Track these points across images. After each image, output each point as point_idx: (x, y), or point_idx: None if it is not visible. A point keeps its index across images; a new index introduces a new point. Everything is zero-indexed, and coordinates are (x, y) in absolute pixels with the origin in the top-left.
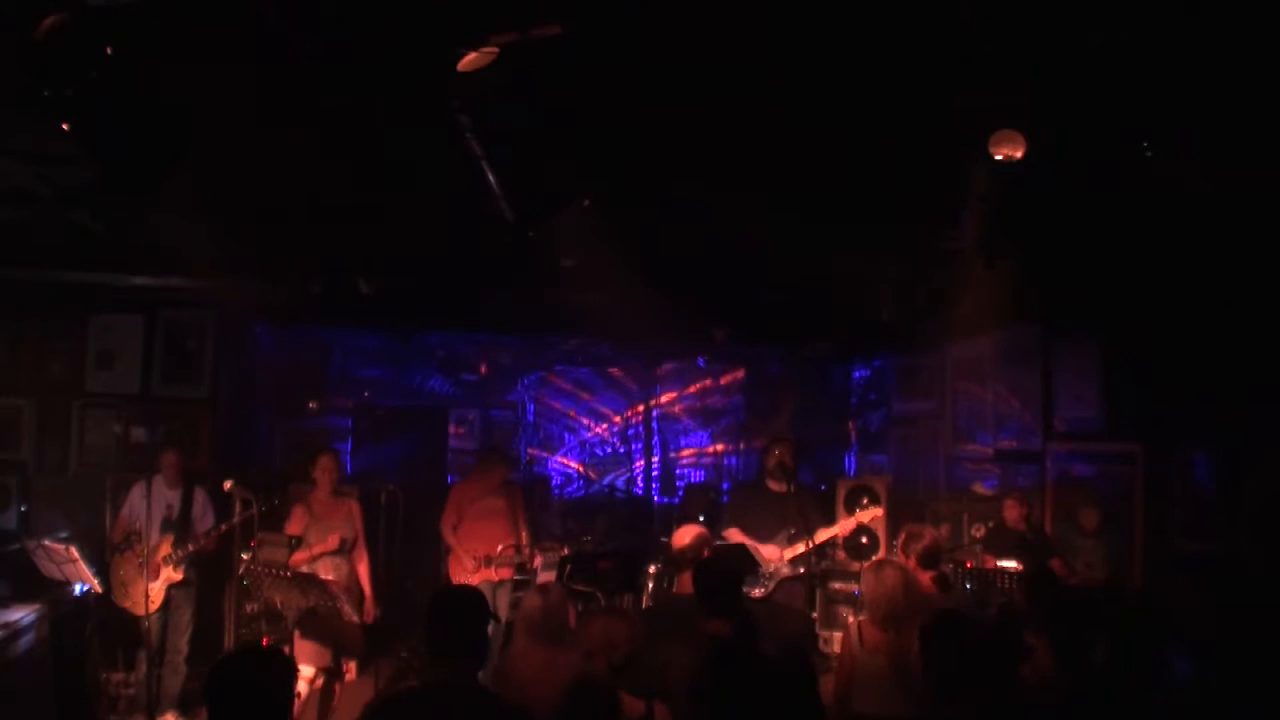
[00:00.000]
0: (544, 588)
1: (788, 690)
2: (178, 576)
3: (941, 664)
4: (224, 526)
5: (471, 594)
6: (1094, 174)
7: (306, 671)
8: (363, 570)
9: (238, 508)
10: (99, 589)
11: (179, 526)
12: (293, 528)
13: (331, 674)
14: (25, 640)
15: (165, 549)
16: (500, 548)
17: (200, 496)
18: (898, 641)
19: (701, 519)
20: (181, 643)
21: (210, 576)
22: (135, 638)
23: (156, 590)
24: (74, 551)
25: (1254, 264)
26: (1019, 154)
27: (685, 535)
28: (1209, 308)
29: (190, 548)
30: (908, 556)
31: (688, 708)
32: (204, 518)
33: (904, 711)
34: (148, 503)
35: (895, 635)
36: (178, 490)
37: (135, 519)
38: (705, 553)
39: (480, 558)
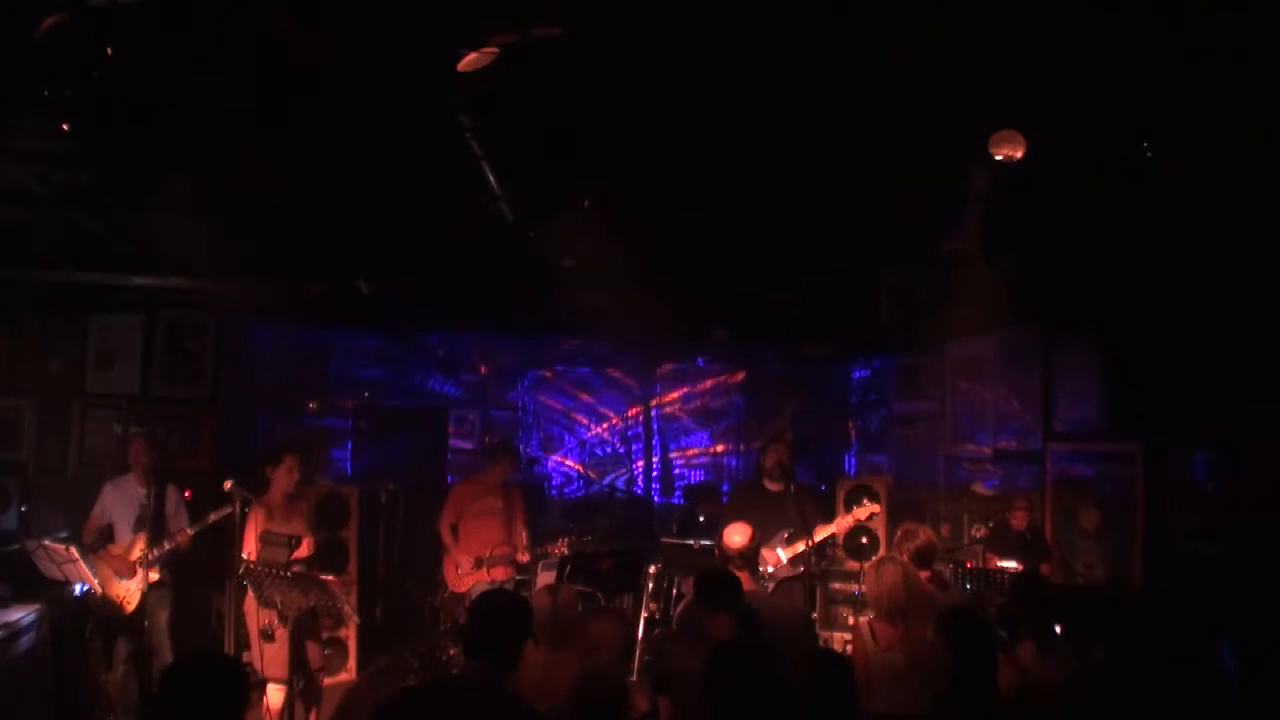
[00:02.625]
0: (554, 589)
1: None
2: (155, 577)
3: (945, 656)
4: (209, 518)
5: (515, 600)
6: (1094, 174)
7: (274, 696)
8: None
9: (238, 507)
10: (99, 589)
11: (152, 526)
12: (251, 531)
13: (312, 676)
14: (25, 640)
15: (138, 550)
16: (491, 549)
17: (172, 495)
18: (909, 636)
19: (702, 520)
20: (163, 645)
21: (206, 576)
22: (127, 637)
23: (134, 591)
24: (74, 551)
25: (1254, 264)
26: (1019, 154)
27: (739, 533)
28: (1209, 308)
29: (167, 546)
30: (902, 555)
31: (701, 707)
32: (177, 515)
33: (924, 707)
34: (118, 502)
35: (905, 630)
36: (148, 489)
37: (106, 518)
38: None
39: (473, 559)
